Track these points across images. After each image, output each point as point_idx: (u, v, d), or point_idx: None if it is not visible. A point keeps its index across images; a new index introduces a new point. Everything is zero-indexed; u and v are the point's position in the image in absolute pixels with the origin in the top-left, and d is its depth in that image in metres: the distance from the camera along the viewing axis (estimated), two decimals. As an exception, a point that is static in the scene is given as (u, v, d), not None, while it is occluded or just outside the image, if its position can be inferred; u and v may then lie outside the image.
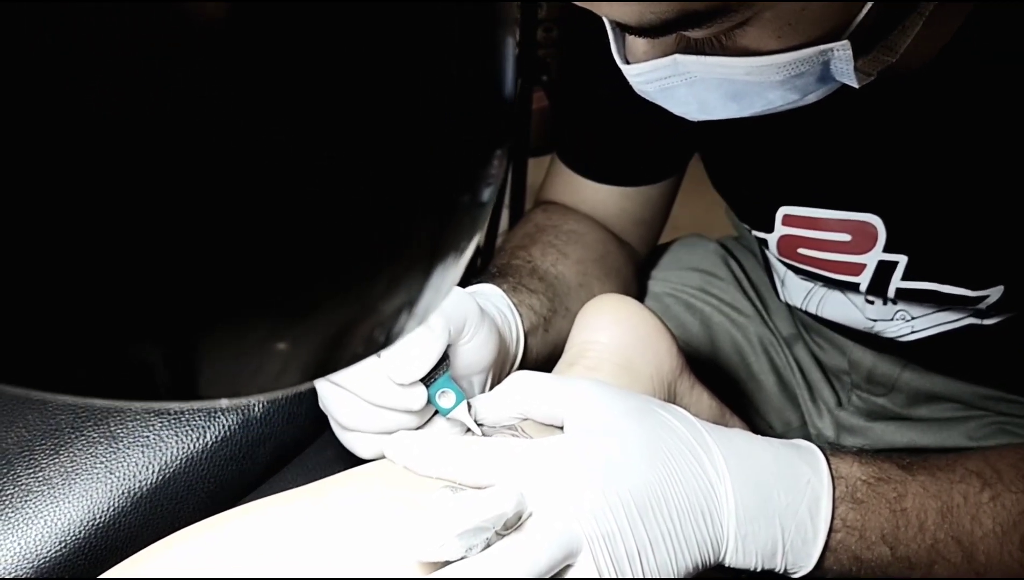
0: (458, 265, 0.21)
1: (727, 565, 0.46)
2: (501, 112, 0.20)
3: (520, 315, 0.61)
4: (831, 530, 0.47)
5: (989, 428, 0.72)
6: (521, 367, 0.61)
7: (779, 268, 0.76)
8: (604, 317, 0.54)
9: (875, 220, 0.61)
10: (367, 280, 0.18)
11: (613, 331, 0.53)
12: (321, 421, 0.65)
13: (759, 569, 0.47)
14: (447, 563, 0.40)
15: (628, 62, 0.48)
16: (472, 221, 0.20)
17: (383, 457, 0.50)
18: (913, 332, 0.68)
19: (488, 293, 0.61)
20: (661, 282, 0.84)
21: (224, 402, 0.18)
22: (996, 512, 0.49)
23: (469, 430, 0.51)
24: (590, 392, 0.48)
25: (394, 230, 0.18)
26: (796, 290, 0.74)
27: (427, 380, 0.48)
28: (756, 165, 0.67)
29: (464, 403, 0.50)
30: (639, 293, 0.82)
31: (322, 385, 0.51)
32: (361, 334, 0.18)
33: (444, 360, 0.49)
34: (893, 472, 0.50)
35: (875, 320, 0.69)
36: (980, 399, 0.72)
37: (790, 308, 0.81)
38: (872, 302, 0.69)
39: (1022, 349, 0.65)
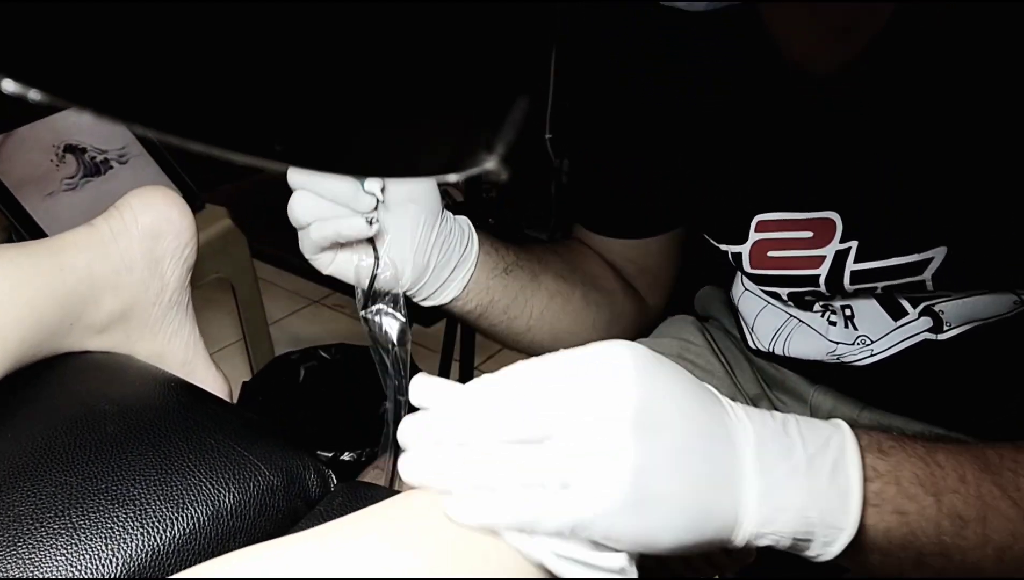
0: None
1: (758, 540, 0.44)
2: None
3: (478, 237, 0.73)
4: (865, 479, 0.45)
5: None
6: (472, 288, 0.74)
7: (750, 309, 0.80)
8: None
9: (834, 215, 0.67)
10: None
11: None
12: (296, 513, 0.62)
13: (794, 539, 0.45)
14: None
15: None
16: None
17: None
18: (872, 355, 0.71)
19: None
20: None
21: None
22: None
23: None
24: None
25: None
26: (766, 331, 0.78)
27: None
28: (733, 180, 0.72)
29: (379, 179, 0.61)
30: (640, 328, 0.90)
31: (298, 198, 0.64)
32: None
33: None
34: (916, 441, 0.49)
35: (838, 343, 0.73)
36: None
37: (754, 368, 0.85)
38: (835, 324, 0.73)
39: (975, 378, 0.68)
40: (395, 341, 0.68)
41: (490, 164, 0.20)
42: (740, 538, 0.44)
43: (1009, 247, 0.61)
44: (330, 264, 0.69)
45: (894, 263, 0.65)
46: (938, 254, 0.63)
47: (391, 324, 0.68)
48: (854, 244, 0.66)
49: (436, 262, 0.70)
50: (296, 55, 0.16)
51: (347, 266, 0.69)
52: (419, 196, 0.68)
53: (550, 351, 0.70)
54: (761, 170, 0.70)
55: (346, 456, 1.23)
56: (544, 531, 0.41)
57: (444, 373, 1.46)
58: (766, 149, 0.69)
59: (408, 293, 0.71)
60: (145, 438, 0.61)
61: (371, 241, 0.67)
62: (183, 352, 0.75)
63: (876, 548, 0.47)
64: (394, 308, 0.68)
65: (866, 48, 0.61)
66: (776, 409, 0.81)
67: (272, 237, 2.62)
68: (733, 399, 0.80)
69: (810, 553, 0.46)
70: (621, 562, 0.43)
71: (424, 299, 0.74)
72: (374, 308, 0.68)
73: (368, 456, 1.27)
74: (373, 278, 0.67)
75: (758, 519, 0.44)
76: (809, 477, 0.45)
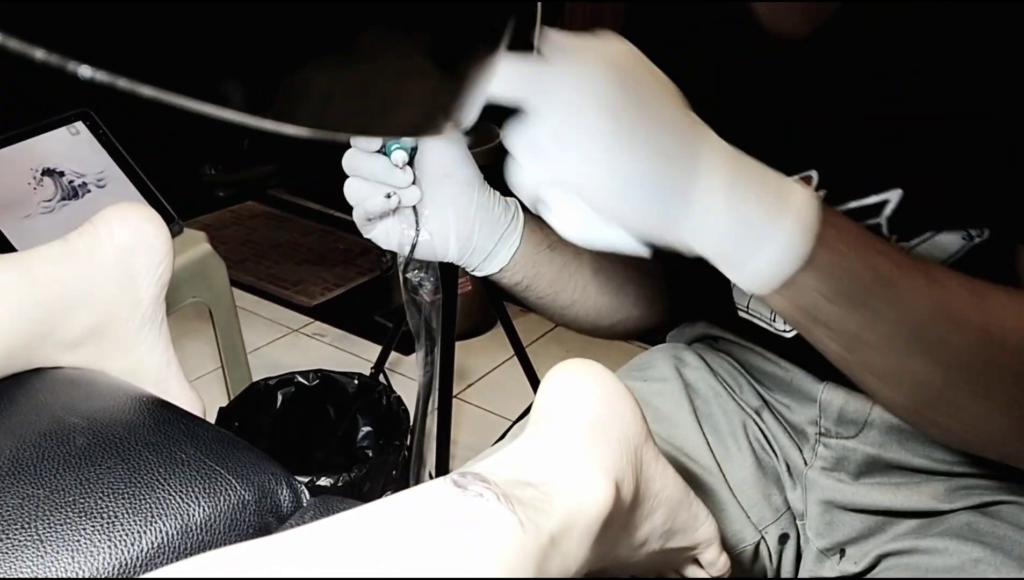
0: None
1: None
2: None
3: (525, 216, 0.78)
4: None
5: (958, 492, 0.72)
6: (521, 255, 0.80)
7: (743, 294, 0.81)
8: (571, 377, 0.54)
9: (814, 173, 0.71)
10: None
11: (581, 391, 0.53)
12: (267, 528, 0.62)
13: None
14: None
15: None
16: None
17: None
18: None
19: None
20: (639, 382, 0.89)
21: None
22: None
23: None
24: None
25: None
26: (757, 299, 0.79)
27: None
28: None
29: (404, 152, 0.70)
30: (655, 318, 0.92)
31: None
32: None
33: None
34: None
35: None
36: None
37: (753, 380, 0.85)
38: None
39: None
40: (427, 300, 0.81)
41: (449, 131, 0.20)
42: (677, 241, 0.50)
43: (961, 186, 0.64)
44: (385, 238, 0.76)
45: (853, 206, 0.68)
46: (894, 197, 0.66)
47: (424, 286, 0.81)
48: (823, 193, 0.70)
49: (479, 232, 0.76)
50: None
51: (396, 237, 0.76)
52: (452, 169, 0.74)
53: (594, 326, 0.87)
54: (761, 139, 0.74)
55: (323, 481, 1.22)
56: None
57: (423, 401, 1.46)
58: (763, 117, 0.72)
59: (460, 262, 0.79)
60: (114, 452, 0.61)
61: (415, 214, 0.76)
62: (156, 369, 0.74)
63: (818, 267, 0.50)
64: (427, 274, 0.81)
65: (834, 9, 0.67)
66: (780, 415, 0.82)
67: (251, 266, 2.62)
68: (739, 416, 0.84)
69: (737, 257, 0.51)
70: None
71: (475, 268, 0.80)
72: (410, 273, 0.80)
73: (345, 482, 1.25)
74: (413, 246, 0.76)
75: (699, 238, 0.50)
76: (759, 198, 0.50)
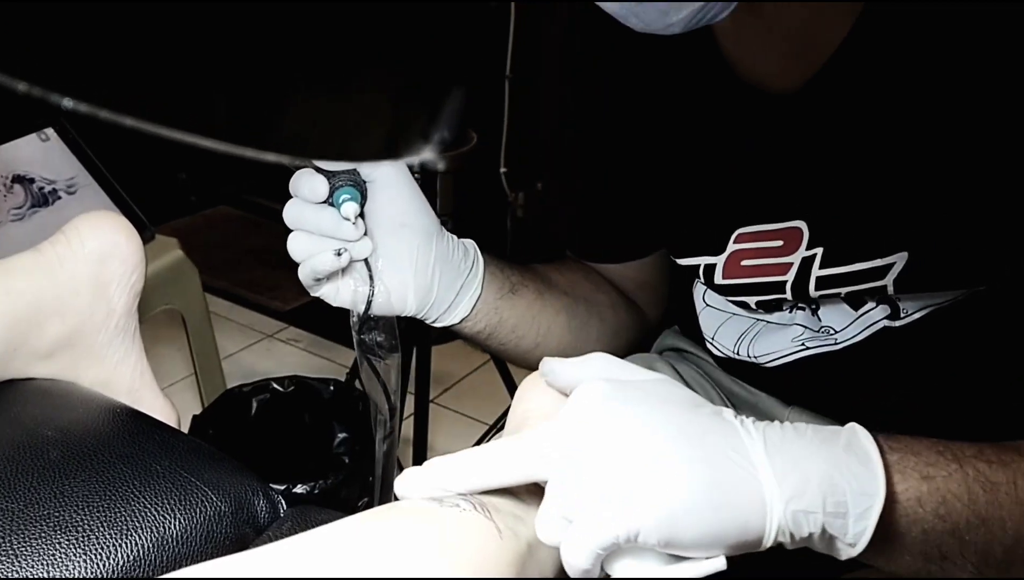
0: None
1: (794, 527, 0.45)
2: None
3: (483, 259, 0.75)
4: (882, 451, 0.47)
5: None
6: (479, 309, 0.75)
7: (710, 325, 0.81)
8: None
9: (801, 223, 0.69)
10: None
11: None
12: (244, 539, 0.62)
13: (828, 515, 0.45)
14: None
15: None
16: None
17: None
18: (836, 344, 0.73)
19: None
20: None
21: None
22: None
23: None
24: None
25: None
26: (728, 339, 0.79)
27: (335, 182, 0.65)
28: (717, 195, 0.74)
29: (355, 204, 0.65)
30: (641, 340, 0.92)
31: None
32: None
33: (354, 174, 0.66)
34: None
35: (804, 327, 0.74)
36: None
37: (723, 397, 0.86)
38: (803, 309, 0.75)
39: (934, 363, 0.70)
40: (385, 361, 0.74)
41: (427, 154, 0.20)
42: (773, 525, 0.44)
43: (968, 251, 0.63)
44: (335, 296, 0.70)
45: (857, 268, 0.67)
46: (899, 260, 0.65)
47: (382, 347, 0.73)
48: (819, 250, 0.68)
49: (439, 283, 0.72)
50: (226, 20, 0.17)
51: (348, 295, 0.70)
52: (410, 219, 0.69)
53: None
54: (742, 184, 0.73)
55: (299, 489, 1.21)
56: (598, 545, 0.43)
57: (399, 406, 1.46)
58: (746, 163, 0.71)
59: (419, 316, 0.74)
60: (89, 464, 0.60)
61: (368, 268, 0.70)
62: (130, 379, 0.74)
63: (913, 522, 0.47)
64: (386, 332, 0.73)
65: (825, 64, 0.64)
66: None
67: (224, 272, 2.60)
68: None
69: (848, 538, 0.46)
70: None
71: (435, 321, 0.75)
72: (367, 335, 0.72)
73: (321, 489, 1.25)
74: (368, 304, 0.70)
75: (787, 494, 0.44)
76: (825, 448, 0.46)
